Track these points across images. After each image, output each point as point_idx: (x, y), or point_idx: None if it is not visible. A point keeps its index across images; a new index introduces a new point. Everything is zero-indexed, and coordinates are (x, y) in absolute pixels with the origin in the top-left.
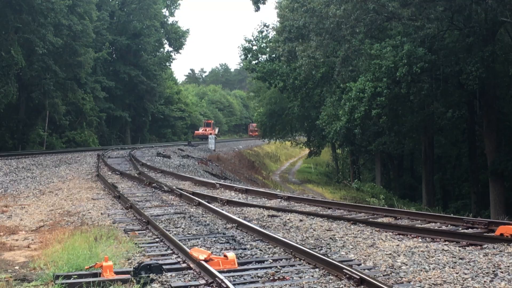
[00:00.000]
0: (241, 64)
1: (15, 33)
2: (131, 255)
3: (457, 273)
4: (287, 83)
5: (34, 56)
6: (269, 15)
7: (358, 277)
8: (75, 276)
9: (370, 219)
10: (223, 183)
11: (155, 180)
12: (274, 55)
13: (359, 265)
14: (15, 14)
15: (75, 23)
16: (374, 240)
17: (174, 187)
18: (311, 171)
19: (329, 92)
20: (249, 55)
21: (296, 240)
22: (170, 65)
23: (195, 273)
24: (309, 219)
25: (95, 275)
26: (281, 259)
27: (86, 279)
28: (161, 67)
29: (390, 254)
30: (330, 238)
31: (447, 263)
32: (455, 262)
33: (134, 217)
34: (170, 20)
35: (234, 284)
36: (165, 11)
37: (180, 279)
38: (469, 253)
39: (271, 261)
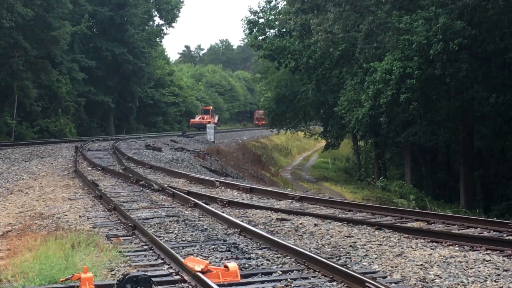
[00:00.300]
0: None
1: None
2: (114, 265)
3: (500, 287)
4: (299, 63)
5: (0, 30)
6: None
7: None
8: None
9: (398, 224)
10: (223, 180)
11: (144, 177)
12: (284, 30)
13: (384, 278)
14: None
15: None
16: (402, 248)
17: (165, 185)
18: (328, 166)
19: (350, 74)
20: (254, 30)
21: (310, 248)
22: (161, 42)
23: (190, 287)
24: (325, 224)
25: None
26: (292, 271)
27: None
28: (151, 44)
29: (422, 265)
30: (350, 246)
31: (489, 275)
32: (499, 275)
33: (118, 221)
34: None
35: None
36: None
37: None
38: None
39: (280, 272)
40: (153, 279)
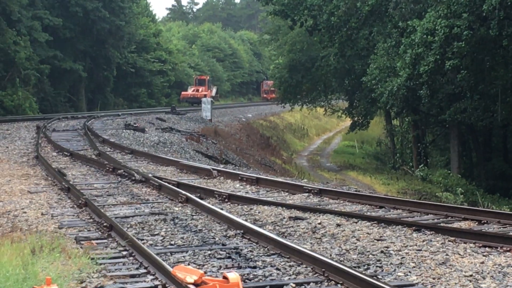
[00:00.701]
0: None
1: None
2: (85, 275)
3: None
4: (319, 21)
5: None
6: None
7: None
8: None
9: (442, 224)
10: (223, 169)
11: (122, 164)
12: None
13: None
14: None
15: None
16: (447, 255)
17: (150, 175)
18: (354, 151)
19: (382, 35)
20: None
21: (331, 255)
22: None
23: None
24: (350, 224)
25: None
26: (308, 283)
27: None
28: None
29: (471, 275)
30: (382, 251)
31: None
32: None
33: (91, 220)
34: None
35: None
36: None
37: None
38: None
39: (294, 285)
40: None
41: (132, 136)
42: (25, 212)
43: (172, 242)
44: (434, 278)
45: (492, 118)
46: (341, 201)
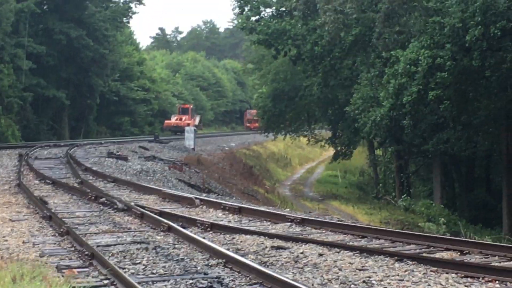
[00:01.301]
0: (235, 22)
1: None
2: None
3: None
4: (302, 50)
5: None
6: None
7: None
8: None
9: (424, 254)
10: (205, 198)
11: (105, 193)
12: (283, 9)
13: None
14: None
15: None
16: (429, 285)
17: (132, 203)
18: (337, 181)
19: (365, 65)
20: (246, 8)
21: (313, 285)
22: (128, 22)
23: None
24: (332, 253)
25: None
26: None
27: None
28: (116, 25)
29: None
30: (364, 281)
31: None
32: None
33: (72, 248)
34: None
35: None
36: None
37: None
38: None
39: None
40: None
41: (114, 164)
42: (6, 240)
43: (154, 271)
44: None
45: (474, 149)
46: (324, 231)
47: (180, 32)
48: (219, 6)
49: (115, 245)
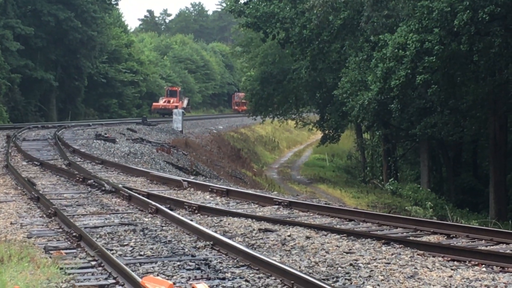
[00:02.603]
0: (223, 5)
1: None
2: (54, 285)
3: None
4: (291, 34)
5: None
6: None
7: None
8: None
9: (411, 238)
10: (193, 180)
11: (92, 174)
12: None
13: None
14: None
15: None
16: (415, 268)
17: (120, 185)
18: (325, 164)
19: (354, 48)
20: None
21: (300, 267)
22: (117, 4)
23: None
24: (320, 236)
25: None
26: None
27: None
28: (104, 7)
29: None
30: (351, 264)
31: None
32: None
33: (60, 230)
34: None
35: None
36: None
37: None
38: None
39: None
40: None
41: (102, 146)
42: None
43: (142, 253)
44: None
45: (462, 133)
46: (311, 214)
47: (169, 15)
48: None
49: (102, 226)
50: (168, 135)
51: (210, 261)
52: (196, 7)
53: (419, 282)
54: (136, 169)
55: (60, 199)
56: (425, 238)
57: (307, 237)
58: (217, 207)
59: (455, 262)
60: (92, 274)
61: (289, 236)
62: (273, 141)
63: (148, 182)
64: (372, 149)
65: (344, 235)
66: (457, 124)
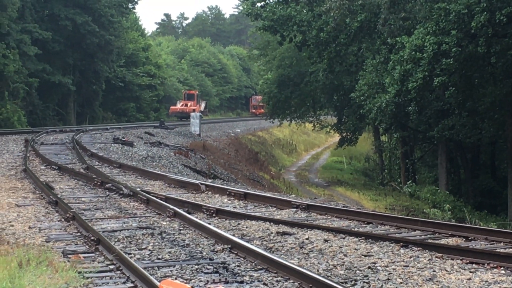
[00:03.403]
0: (240, 8)
1: None
2: None
3: None
4: (308, 37)
5: None
6: None
7: None
8: None
9: (429, 240)
10: (211, 184)
11: (110, 178)
12: None
13: None
14: None
15: None
16: (434, 271)
17: (138, 189)
18: (342, 167)
19: (371, 51)
20: None
21: (318, 270)
22: (134, 8)
23: None
24: (338, 239)
25: None
26: None
27: None
28: (121, 11)
29: None
30: (369, 267)
31: None
32: None
33: (78, 233)
34: None
35: None
36: None
37: None
38: None
39: None
40: None
41: (120, 150)
42: (12, 225)
43: (160, 256)
44: None
45: (480, 135)
46: (329, 217)
47: (186, 18)
48: None
49: (121, 230)
50: (186, 139)
51: (228, 264)
52: (213, 11)
53: (438, 285)
54: (154, 172)
55: (78, 203)
56: (443, 241)
57: (325, 240)
58: (235, 210)
59: (474, 265)
60: (110, 278)
61: (307, 239)
62: (290, 144)
63: (166, 185)
64: (390, 151)
65: (362, 238)
66: (475, 126)
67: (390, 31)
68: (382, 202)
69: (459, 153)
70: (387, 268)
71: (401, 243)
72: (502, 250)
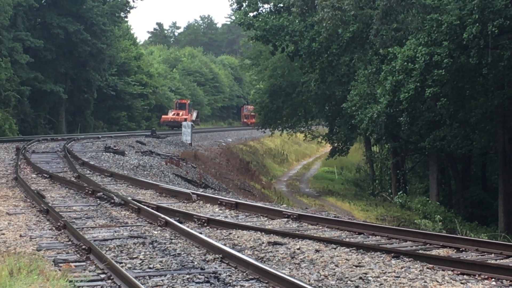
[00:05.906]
0: (232, 18)
1: None
2: None
3: None
4: (300, 47)
5: None
6: None
7: None
8: None
9: (420, 251)
10: (202, 193)
11: (102, 187)
12: (281, 5)
13: None
14: None
15: None
16: (425, 282)
17: (129, 198)
18: (334, 177)
19: (363, 61)
20: (244, 4)
21: (309, 280)
22: (126, 17)
23: None
24: (329, 249)
25: None
26: None
27: None
28: (113, 20)
29: None
30: (360, 278)
31: None
32: None
33: (69, 242)
34: None
35: None
36: None
37: None
38: None
39: None
40: None
41: (111, 159)
42: (3, 234)
43: (151, 266)
44: None
45: (471, 146)
46: (320, 227)
47: (178, 27)
48: (216, 1)
49: (112, 239)
50: (177, 148)
51: (220, 274)
52: (205, 20)
53: None
54: (145, 181)
55: (70, 211)
56: (434, 252)
57: (317, 250)
58: (226, 220)
59: (465, 276)
60: (102, 287)
61: (298, 249)
62: (282, 154)
63: (157, 194)
64: (381, 162)
65: (354, 248)
66: (466, 137)
67: (382, 41)
68: (373, 213)
69: (450, 164)
70: (378, 279)
71: (392, 254)
72: (493, 261)
